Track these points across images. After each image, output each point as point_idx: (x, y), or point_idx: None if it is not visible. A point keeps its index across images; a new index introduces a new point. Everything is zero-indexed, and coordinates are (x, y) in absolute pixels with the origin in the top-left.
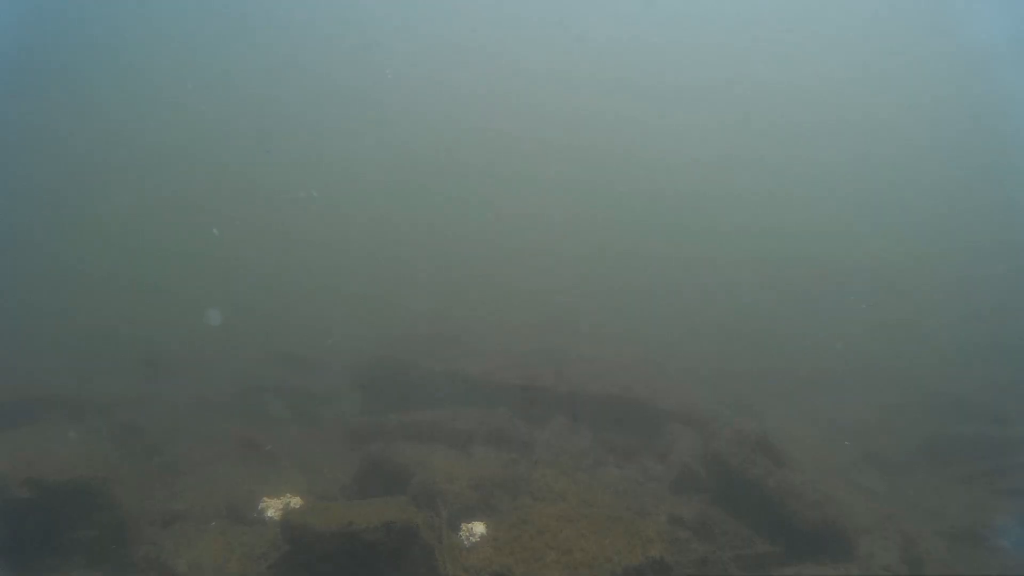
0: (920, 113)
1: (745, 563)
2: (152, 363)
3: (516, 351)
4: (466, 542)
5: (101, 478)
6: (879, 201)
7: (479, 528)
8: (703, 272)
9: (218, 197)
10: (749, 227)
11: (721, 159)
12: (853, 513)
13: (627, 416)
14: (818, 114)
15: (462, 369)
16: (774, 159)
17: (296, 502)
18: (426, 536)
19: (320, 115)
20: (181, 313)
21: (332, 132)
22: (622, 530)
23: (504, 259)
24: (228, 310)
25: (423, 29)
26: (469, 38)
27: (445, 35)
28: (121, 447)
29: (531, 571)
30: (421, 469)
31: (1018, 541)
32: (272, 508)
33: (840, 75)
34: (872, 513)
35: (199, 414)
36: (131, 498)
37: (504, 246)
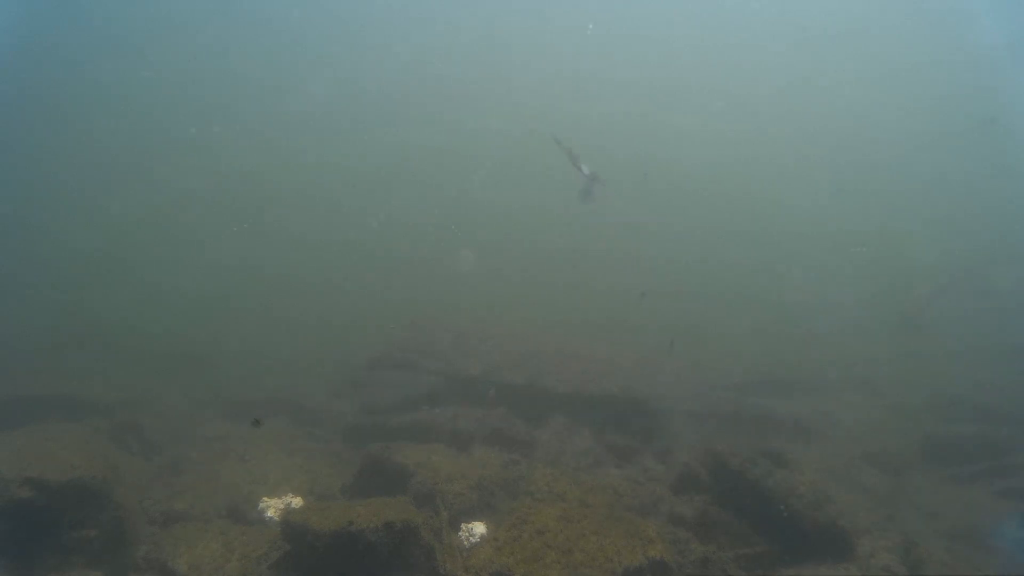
0: (924, 114)
1: (745, 563)
2: None
3: (516, 351)
4: (466, 542)
5: (101, 478)
6: (880, 202)
7: (479, 528)
8: (703, 273)
9: (222, 196)
10: (750, 228)
11: (723, 161)
12: (853, 513)
13: (627, 416)
14: (820, 116)
15: (463, 369)
16: (778, 161)
17: (296, 502)
18: (426, 536)
19: (333, 115)
20: (182, 313)
21: (342, 132)
22: (622, 530)
23: (504, 258)
24: (228, 310)
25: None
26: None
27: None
28: (121, 447)
29: (531, 571)
30: (421, 469)
31: (1018, 541)
32: (272, 508)
33: (843, 77)
34: (872, 513)
35: (199, 414)
36: (131, 498)
37: (505, 245)
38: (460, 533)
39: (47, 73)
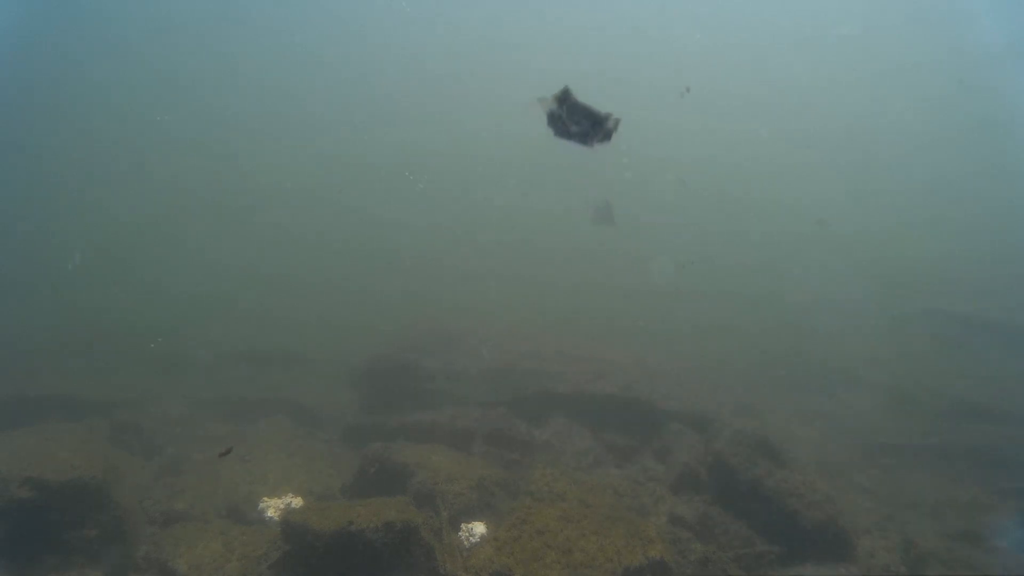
0: (924, 114)
1: (745, 563)
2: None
3: (516, 351)
4: (466, 542)
5: (101, 478)
6: (880, 201)
7: (479, 528)
8: (703, 273)
9: (221, 192)
10: (751, 228)
11: (726, 161)
12: (853, 513)
13: (627, 416)
14: (822, 117)
15: (462, 369)
16: (780, 161)
17: (296, 502)
18: (426, 536)
19: (333, 111)
20: (182, 313)
21: (344, 129)
22: (622, 530)
23: (504, 257)
24: (228, 309)
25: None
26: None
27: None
28: (121, 447)
29: (531, 571)
30: (421, 469)
31: (1018, 541)
32: (272, 508)
33: (845, 79)
34: (872, 513)
35: (199, 414)
36: (131, 498)
37: (505, 244)
38: (460, 533)
39: (47, 73)
